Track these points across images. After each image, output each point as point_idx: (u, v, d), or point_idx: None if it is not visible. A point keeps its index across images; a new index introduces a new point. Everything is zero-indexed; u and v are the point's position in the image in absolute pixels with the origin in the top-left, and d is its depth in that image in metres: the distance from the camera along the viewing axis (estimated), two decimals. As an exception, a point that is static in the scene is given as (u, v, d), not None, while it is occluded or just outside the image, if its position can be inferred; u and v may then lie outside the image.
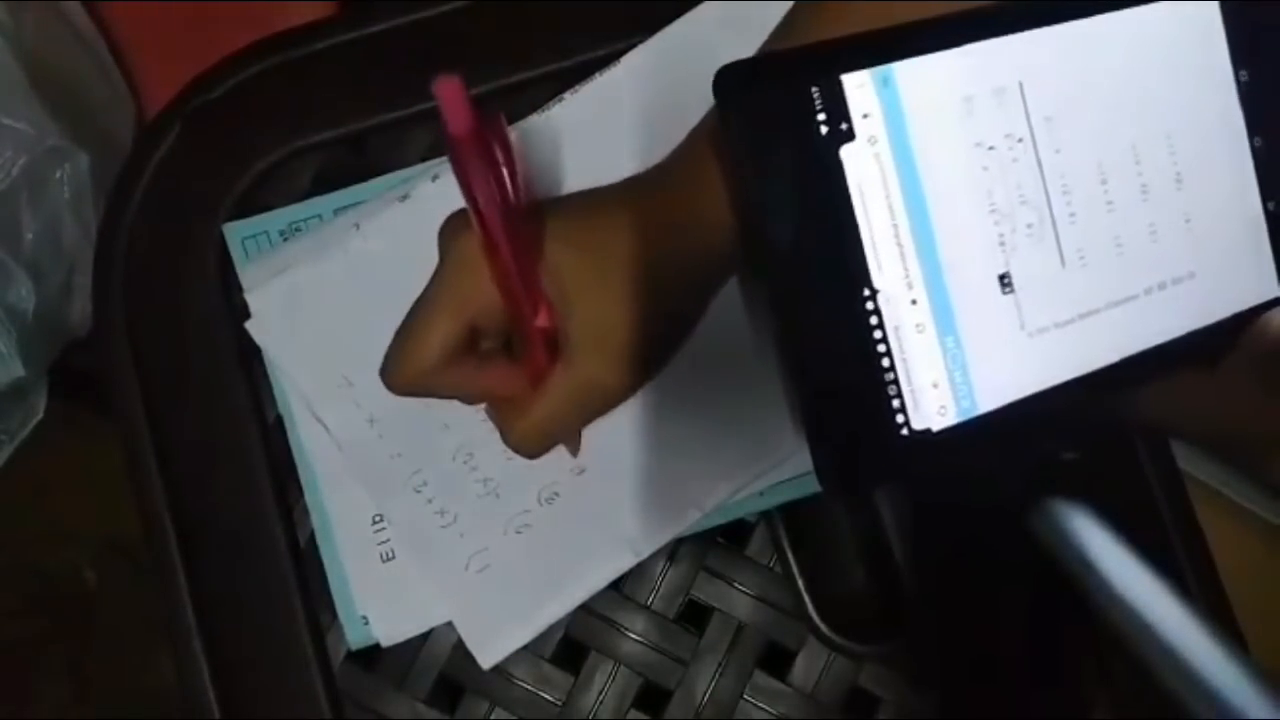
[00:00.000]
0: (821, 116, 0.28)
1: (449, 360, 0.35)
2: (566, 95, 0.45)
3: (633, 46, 0.45)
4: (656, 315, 0.35)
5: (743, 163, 0.28)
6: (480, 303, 0.35)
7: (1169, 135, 0.33)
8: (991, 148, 0.30)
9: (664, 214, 0.35)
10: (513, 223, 0.32)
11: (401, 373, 0.35)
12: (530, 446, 0.37)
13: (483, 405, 0.40)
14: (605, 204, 0.36)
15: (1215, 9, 0.33)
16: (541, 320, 0.35)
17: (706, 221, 0.35)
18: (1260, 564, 0.86)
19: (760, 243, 0.28)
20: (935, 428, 0.29)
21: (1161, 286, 0.33)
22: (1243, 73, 0.33)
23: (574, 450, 0.43)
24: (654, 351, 0.37)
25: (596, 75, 0.45)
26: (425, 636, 0.44)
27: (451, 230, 0.36)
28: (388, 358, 0.36)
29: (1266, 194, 0.34)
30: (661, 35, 0.45)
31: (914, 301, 0.29)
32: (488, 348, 0.38)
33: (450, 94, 0.27)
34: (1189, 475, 0.47)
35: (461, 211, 0.37)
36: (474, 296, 0.35)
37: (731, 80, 0.28)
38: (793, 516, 0.44)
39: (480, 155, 0.29)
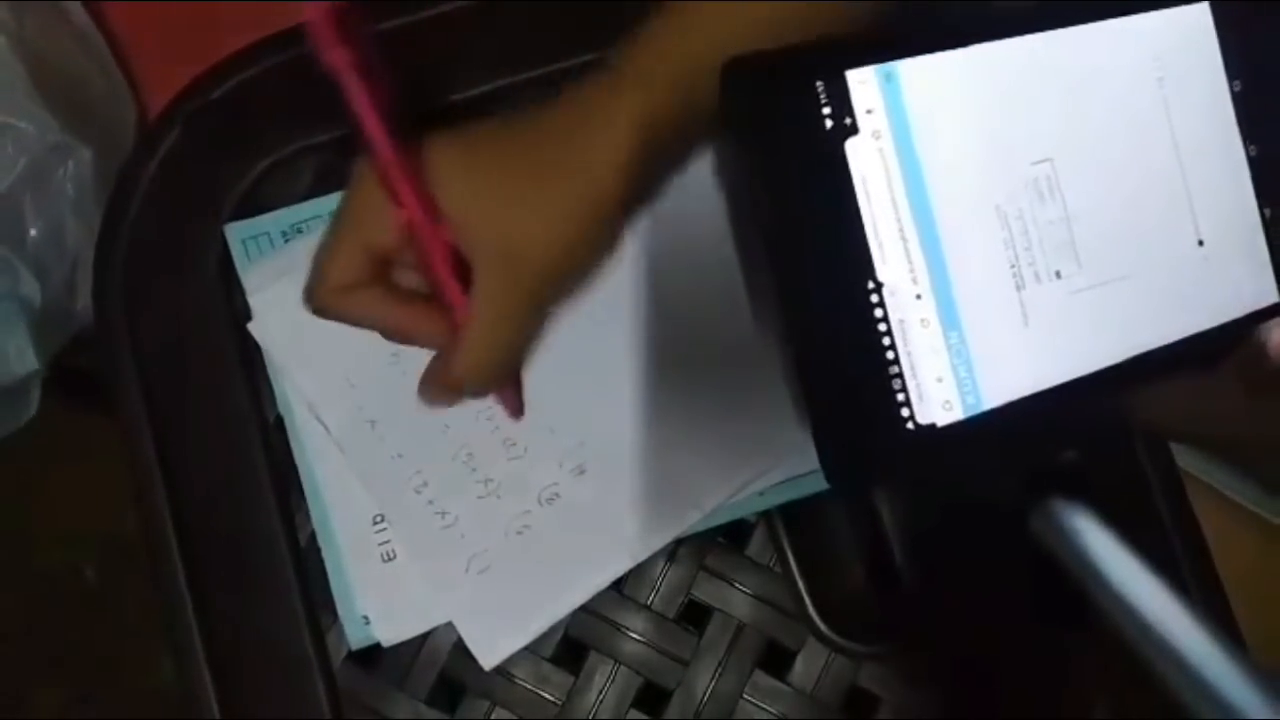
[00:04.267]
0: (826, 110, 0.28)
1: (355, 283, 0.36)
2: (567, 95, 0.45)
3: (633, 47, 0.45)
4: (556, 224, 0.36)
5: (750, 153, 0.28)
6: (377, 226, 0.36)
7: (1168, 143, 0.33)
8: (995, 147, 0.30)
9: (542, 132, 0.37)
10: (402, 149, 0.33)
11: (312, 293, 0.37)
12: (477, 376, 0.37)
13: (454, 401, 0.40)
14: (485, 126, 0.38)
15: (1209, 21, 0.34)
16: (444, 234, 0.35)
17: (592, 142, 0.36)
18: (1259, 563, 0.86)
19: (766, 234, 0.28)
20: (940, 423, 0.29)
21: (1162, 290, 0.33)
22: (1236, 82, 0.34)
23: (518, 407, 0.42)
24: (566, 259, 0.37)
25: (597, 75, 0.45)
26: (425, 636, 0.44)
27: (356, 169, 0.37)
28: (307, 282, 0.38)
29: (1263, 201, 0.34)
30: (662, 35, 0.45)
31: (918, 296, 0.29)
32: (408, 287, 0.38)
33: (319, 19, 0.29)
34: (1189, 475, 0.47)
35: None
36: (370, 220, 0.36)
37: (739, 71, 0.28)
38: (793, 516, 0.44)
39: (360, 77, 0.31)
